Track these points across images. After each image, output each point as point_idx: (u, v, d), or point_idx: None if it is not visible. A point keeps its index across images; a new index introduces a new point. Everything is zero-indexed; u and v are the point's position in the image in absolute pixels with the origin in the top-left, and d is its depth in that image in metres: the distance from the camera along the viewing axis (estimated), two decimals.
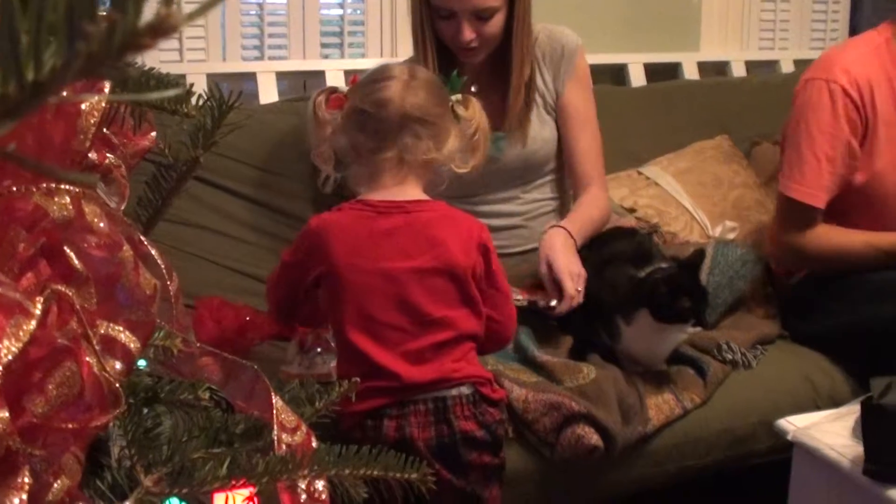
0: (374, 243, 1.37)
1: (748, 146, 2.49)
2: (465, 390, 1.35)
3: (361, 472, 0.83)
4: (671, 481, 1.68)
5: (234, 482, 0.76)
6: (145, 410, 0.82)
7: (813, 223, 1.89)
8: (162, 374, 0.85)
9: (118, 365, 0.67)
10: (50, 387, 0.60)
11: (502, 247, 1.85)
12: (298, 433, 0.85)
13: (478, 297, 1.39)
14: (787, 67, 2.87)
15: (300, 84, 2.40)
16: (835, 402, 1.74)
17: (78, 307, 0.63)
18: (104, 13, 0.31)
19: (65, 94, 0.59)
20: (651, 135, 2.43)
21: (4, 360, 0.55)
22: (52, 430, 0.61)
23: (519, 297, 1.68)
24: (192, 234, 1.90)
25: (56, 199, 0.64)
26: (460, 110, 1.48)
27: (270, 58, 2.32)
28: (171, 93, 0.77)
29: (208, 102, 0.93)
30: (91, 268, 0.65)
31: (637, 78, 2.65)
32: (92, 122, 0.67)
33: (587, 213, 1.84)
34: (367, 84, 1.46)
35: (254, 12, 2.31)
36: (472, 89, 1.76)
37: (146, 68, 0.80)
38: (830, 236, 1.90)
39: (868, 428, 1.35)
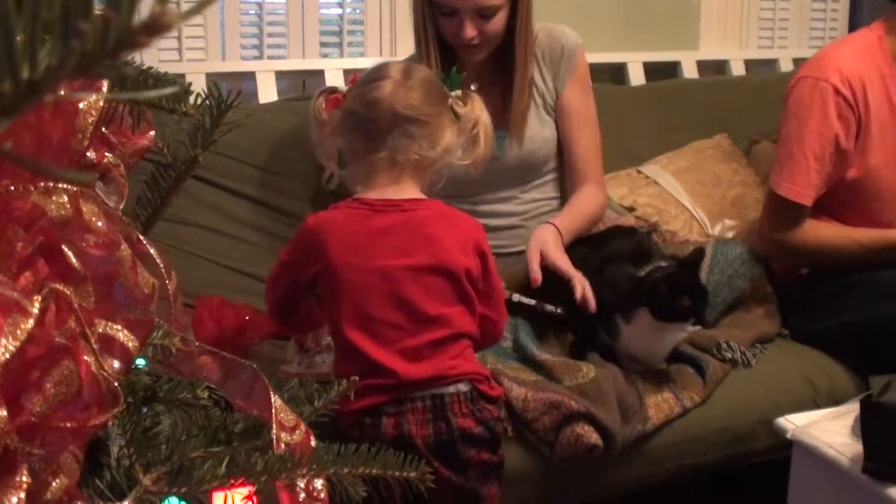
0: (371, 241, 1.38)
1: (747, 145, 2.49)
2: (462, 387, 1.35)
3: (360, 471, 0.83)
4: (671, 480, 1.68)
5: (232, 481, 0.76)
6: (144, 409, 0.82)
7: (800, 220, 1.91)
8: (161, 373, 0.85)
9: (116, 364, 0.67)
10: (48, 385, 0.60)
11: (501, 246, 1.85)
12: (297, 432, 0.85)
13: (473, 295, 1.40)
14: (786, 66, 2.87)
15: (299, 83, 2.41)
16: (834, 401, 1.75)
17: (76, 306, 0.63)
18: (99, 11, 0.32)
19: (62, 92, 0.59)
20: (650, 133, 2.43)
21: (2, 358, 0.56)
22: (51, 429, 0.62)
23: (528, 301, 1.70)
24: (191, 234, 1.90)
25: (54, 198, 0.64)
26: (459, 107, 1.48)
27: (270, 57, 2.32)
28: (169, 91, 0.77)
29: (207, 101, 0.93)
30: (89, 267, 0.65)
31: (636, 77, 2.65)
32: (90, 121, 0.67)
33: (578, 209, 1.85)
34: (361, 84, 1.46)
35: (253, 12, 2.31)
36: (473, 87, 1.76)
37: (144, 67, 0.80)
38: (816, 232, 1.92)
39: (867, 426, 1.35)
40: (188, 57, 2.23)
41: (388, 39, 2.42)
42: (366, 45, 2.42)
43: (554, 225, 1.78)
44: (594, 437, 1.51)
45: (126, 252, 0.68)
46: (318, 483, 0.83)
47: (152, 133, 0.94)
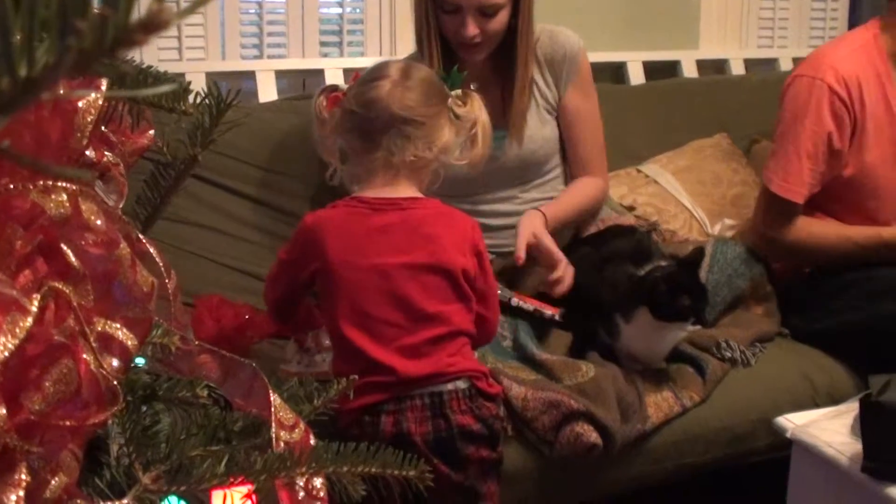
0: (369, 240, 1.38)
1: (747, 144, 2.49)
2: (461, 384, 1.36)
3: (359, 470, 0.83)
4: (670, 479, 1.68)
5: (232, 480, 0.76)
6: (143, 408, 0.82)
7: (792, 217, 1.92)
8: (160, 372, 0.85)
9: (115, 362, 0.67)
10: (47, 384, 0.60)
11: (500, 245, 1.85)
12: (296, 430, 0.85)
13: (470, 293, 1.40)
14: (785, 65, 2.87)
15: (299, 83, 2.41)
16: (834, 400, 1.75)
17: (75, 304, 0.63)
18: (97, 9, 0.32)
19: (61, 91, 0.59)
20: (650, 133, 2.43)
21: (2, 357, 0.56)
22: (50, 427, 0.62)
23: (525, 305, 1.71)
24: (190, 233, 1.90)
25: (53, 196, 0.64)
26: (459, 108, 1.48)
27: (269, 56, 2.32)
28: (166, 88, 0.77)
29: (206, 100, 0.93)
30: (88, 265, 0.65)
31: (636, 76, 2.65)
32: (89, 119, 0.67)
33: (568, 199, 1.88)
34: (360, 84, 1.47)
35: (253, 11, 2.31)
36: (473, 87, 1.76)
37: (144, 66, 0.80)
38: (810, 230, 1.93)
39: (867, 425, 1.35)
40: (188, 56, 2.23)
41: (387, 39, 2.42)
42: (366, 44, 2.42)
43: (541, 212, 1.80)
44: (594, 436, 1.51)
45: (125, 251, 0.68)
46: (318, 482, 0.83)
47: (152, 132, 0.94)
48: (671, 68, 2.75)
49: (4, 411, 0.57)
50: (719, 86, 2.63)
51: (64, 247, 0.64)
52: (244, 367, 0.89)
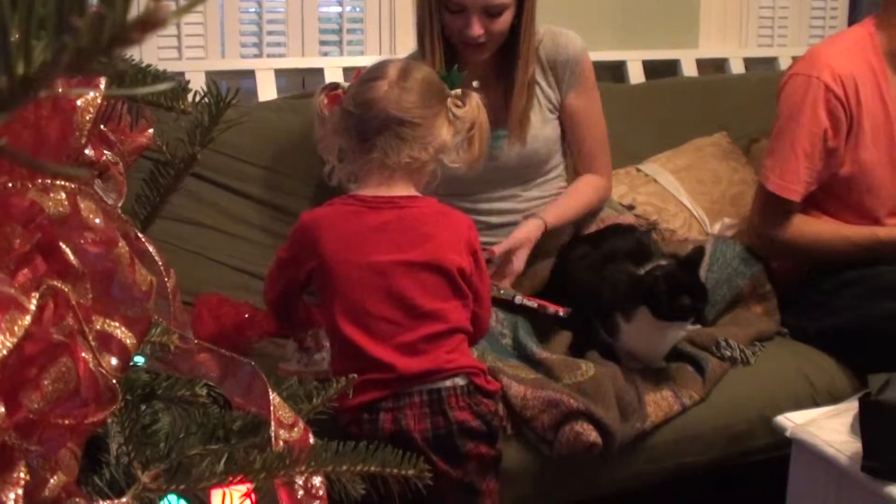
0: (365, 237, 1.38)
1: (747, 143, 2.49)
2: (459, 381, 1.36)
3: (359, 468, 0.83)
4: (669, 478, 1.68)
5: (231, 478, 0.76)
6: (143, 407, 0.82)
7: (789, 215, 1.93)
8: (159, 371, 0.85)
9: (114, 361, 0.67)
10: (46, 382, 0.60)
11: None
12: (296, 429, 0.85)
13: (467, 291, 1.41)
14: (785, 64, 2.86)
15: (299, 81, 2.40)
16: (833, 399, 1.75)
17: (74, 303, 0.63)
18: (94, 8, 0.32)
19: (59, 89, 0.59)
20: (650, 132, 2.42)
21: (0, 355, 0.56)
22: (49, 426, 0.62)
23: (529, 302, 1.71)
24: (190, 232, 1.90)
25: (52, 195, 0.64)
26: (457, 107, 1.48)
27: (269, 55, 2.32)
28: (165, 87, 0.77)
29: (205, 99, 0.93)
30: (87, 264, 0.65)
31: (636, 75, 2.65)
32: (87, 118, 0.67)
33: (571, 202, 1.89)
34: (358, 84, 1.47)
35: (253, 10, 2.31)
36: (474, 85, 1.76)
37: (143, 65, 0.80)
38: (805, 228, 1.93)
39: (866, 424, 1.35)
40: (188, 55, 2.23)
41: (387, 38, 2.42)
42: (365, 43, 2.42)
43: (543, 220, 1.81)
44: (593, 435, 1.51)
45: (124, 249, 0.68)
46: (317, 480, 0.83)
47: (151, 131, 0.94)
48: (671, 67, 2.74)
49: (3, 410, 0.57)
50: (719, 85, 2.63)
51: (63, 245, 0.64)
52: (243, 365, 0.88)
